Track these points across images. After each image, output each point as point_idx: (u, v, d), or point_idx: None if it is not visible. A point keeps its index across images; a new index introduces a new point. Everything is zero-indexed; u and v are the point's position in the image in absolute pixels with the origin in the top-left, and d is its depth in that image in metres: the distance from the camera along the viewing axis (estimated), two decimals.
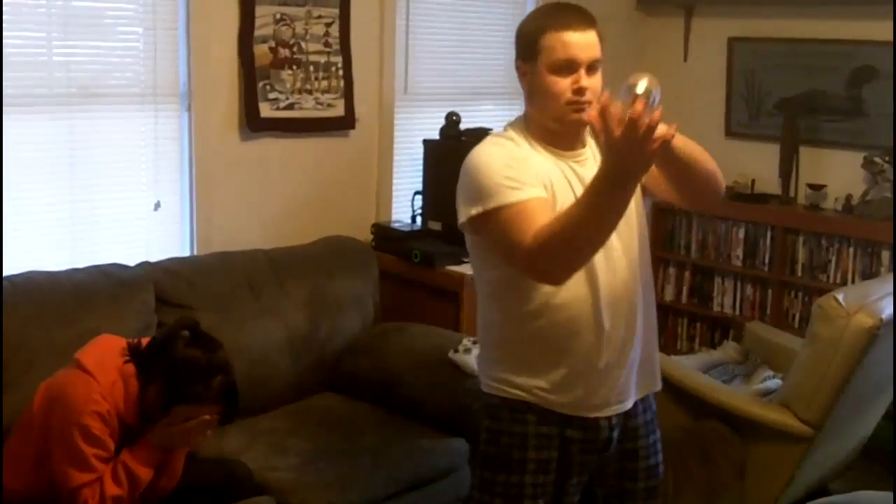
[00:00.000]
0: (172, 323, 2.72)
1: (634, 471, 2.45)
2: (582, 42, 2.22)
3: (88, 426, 2.53)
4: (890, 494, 2.84)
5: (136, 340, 2.70)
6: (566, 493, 2.39)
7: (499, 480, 2.36)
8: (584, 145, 2.36)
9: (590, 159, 2.33)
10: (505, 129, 2.39)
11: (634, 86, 1.90)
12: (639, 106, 1.87)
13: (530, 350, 2.32)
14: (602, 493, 2.46)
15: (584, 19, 2.25)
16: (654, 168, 2.26)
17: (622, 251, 2.32)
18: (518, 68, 2.32)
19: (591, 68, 2.24)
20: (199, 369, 2.60)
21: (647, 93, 1.89)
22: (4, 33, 3.23)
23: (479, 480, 2.41)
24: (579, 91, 2.23)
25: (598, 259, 2.25)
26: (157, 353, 2.64)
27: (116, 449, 2.62)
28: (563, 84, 2.23)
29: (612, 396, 2.36)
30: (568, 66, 2.22)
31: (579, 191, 2.22)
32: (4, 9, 3.21)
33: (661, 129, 1.92)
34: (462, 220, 2.26)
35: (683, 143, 2.25)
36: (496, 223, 2.17)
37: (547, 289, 2.25)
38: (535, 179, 2.21)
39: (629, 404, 2.41)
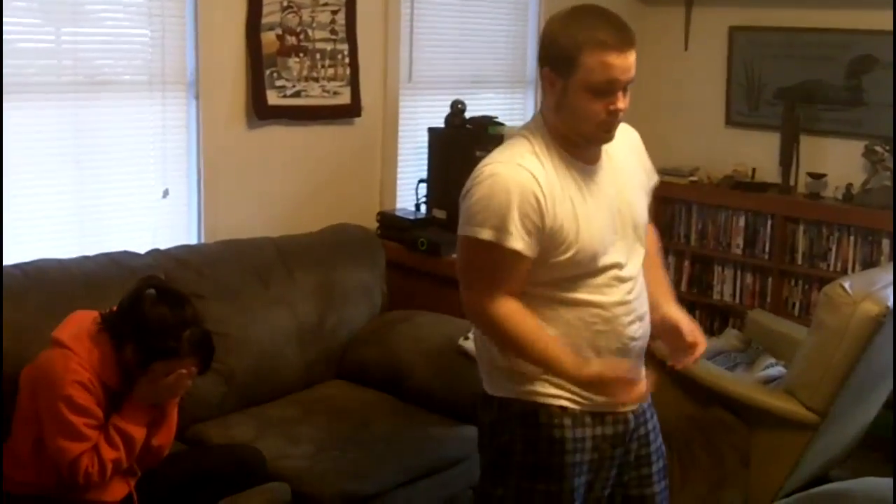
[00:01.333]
0: (137, 283, 2.74)
1: (648, 455, 2.47)
2: (623, 65, 2.13)
3: (72, 396, 2.56)
4: (891, 481, 2.86)
5: (108, 310, 2.73)
6: (593, 488, 2.39)
7: (539, 489, 2.32)
8: (598, 159, 2.31)
9: (604, 167, 2.32)
10: (524, 133, 2.29)
11: None
12: None
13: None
14: (624, 480, 2.46)
15: (627, 38, 2.14)
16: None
17: (639, 247, 2.37)
18: (544, 76, 2.21)
19: (625, 89, 2.17)
20: (169, 326, 2.63)
21: None
22: (12, 20, 3.22)
23: (516, 491, 2.34)
24: (614, 113, 2.17)
25: (620, 257, 2.30)
26: (125, 315, 2.67)
27: (107, 414, 2.64)
28: (598, 106, 2.15)
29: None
30: (606, 89, 2.14)
31: (589, 195, 2.25)
32: None
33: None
34: (459, 232, 2.26)
35: None
36: (477, 251, 2.20)
37: (578, 295, 2.28)
38: (547, 216, 2.19)
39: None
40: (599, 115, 2.17)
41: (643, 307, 2.38)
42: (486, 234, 2.16)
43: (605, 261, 2.27)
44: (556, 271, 2.25)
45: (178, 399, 2.80)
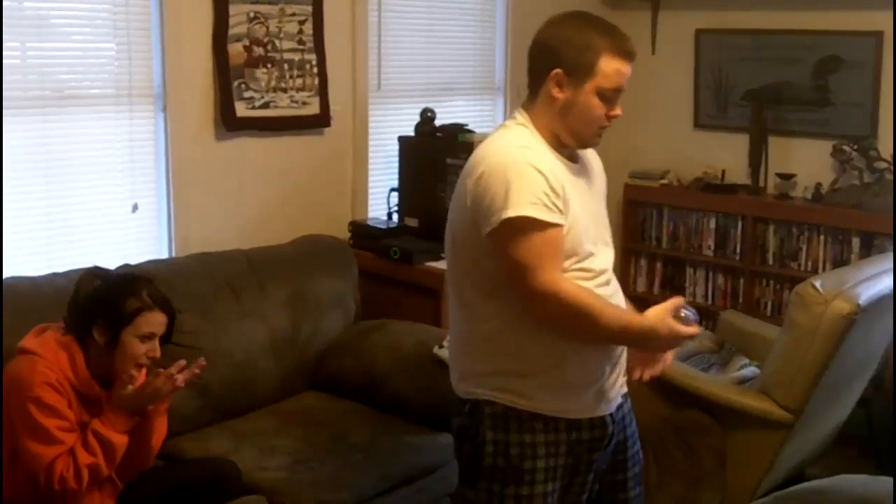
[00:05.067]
0: (81, 277, 2.76)
1: (624, 461, 2.49)
2: (628, 73, 2.26)
3: (41, 398, 2.54)
4: (866, 478, 2.88)
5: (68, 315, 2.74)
6: (569, 492, 2.40)
7: (508, 493, 2.32)
8: (574, 158, 2.36)
9: (585, 173, 2.38)
10: (516, 127, 2.32)
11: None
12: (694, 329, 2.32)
13: (533, 358, 2.30)
14: (597, 488, 2.47)
15: (633, 49, 2.27)
16: None
17: (606, 253, 2.40)
18: (554, 77, 2.24)
19: None
20: (126, 291, 2.67)
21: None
22: None
23: (488, 495, 2.34)
24: (612, 119, 2.28)
25: (595, 250, 2.32)
26: (80, 304, 2.69)
27: (82, 420, 2.62)
28: (603, 111, 2.25)
29: (615, 392, 2.40)
30: (613, 97, 2.25)
31: (575, 191, 2.28)
32: None
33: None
34: (493, 225, 2.17)
35: None
36: (527, 236, 2.14)
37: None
38: (563, 199, 2.20)
39: (620, 399, 2.45)
40: (602, 120, 2.27)
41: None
42: (534, 212, 2.15)
43: (584, 252, 2.29)
44: None
45: (164, 407, 2.76)
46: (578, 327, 2.22)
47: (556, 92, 2.25)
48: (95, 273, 2.78)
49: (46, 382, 2.56)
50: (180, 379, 2.64)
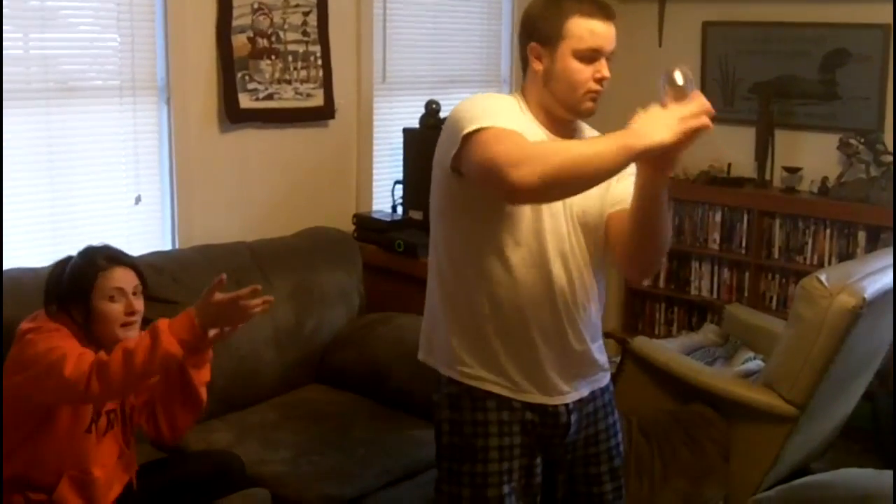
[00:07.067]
0: (51, 268, 2.73)
1: (597, 454, 2.49)
2: (607, 33, 2.24)
3: (52, 335, 2.50)
4: (871, 471, 2.87)
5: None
6: (534, 474, 2.41)
7: (464, 471, 2.36)
8: (572, 135, 2.36)
9: None
10: (504, 94, 2.41)
11: (671, 74, 2.10)
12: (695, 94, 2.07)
13: (486, 338, 2.32)
14: (563, 479, 2.48)
15: (609, 10, 2.26)
16: (616, 229, 2.36)
17: (578, 251, 2.34)
18: (531, 50, 2.29)
19: (608, 59, 2.26)
20: (82, 264, 2.65)
21: (688, 81, 2.11)
22: None
23: (447, 473, 2.40)
24: (600, 81, 2.25)
25: (554, 256, 2.29)
26: (54, 295, 2.65)
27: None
28: (587, 73, 2.24)
29: (566, 384, 2.39)
30: (592, 56, 2.23)
31: None
32: None
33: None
34: (457, 147, 2.14)
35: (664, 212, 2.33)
36: (486, 139, 2.08)
37: (505, 270, 2.27)
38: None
39: (585, 392, 2.44)
40: (587, 83, 2.25)
41: (571, 303, 2.35)
42: (493, 122, 2.12)
43: (533, 231, 2.27)
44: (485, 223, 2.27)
45: (204, 365, 2.72)
46: (577, 173, 2.04)
47: (536, 65, 2.29)
48: (64, 262, 2.73)
49: (55, 331, 2.54)
50: (261, 303, 2.56)
